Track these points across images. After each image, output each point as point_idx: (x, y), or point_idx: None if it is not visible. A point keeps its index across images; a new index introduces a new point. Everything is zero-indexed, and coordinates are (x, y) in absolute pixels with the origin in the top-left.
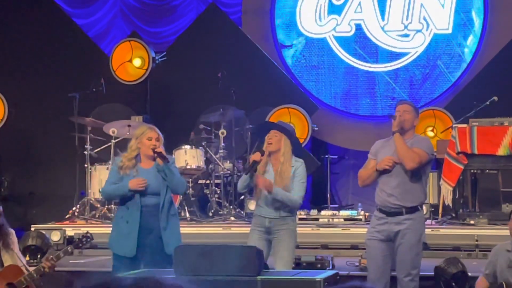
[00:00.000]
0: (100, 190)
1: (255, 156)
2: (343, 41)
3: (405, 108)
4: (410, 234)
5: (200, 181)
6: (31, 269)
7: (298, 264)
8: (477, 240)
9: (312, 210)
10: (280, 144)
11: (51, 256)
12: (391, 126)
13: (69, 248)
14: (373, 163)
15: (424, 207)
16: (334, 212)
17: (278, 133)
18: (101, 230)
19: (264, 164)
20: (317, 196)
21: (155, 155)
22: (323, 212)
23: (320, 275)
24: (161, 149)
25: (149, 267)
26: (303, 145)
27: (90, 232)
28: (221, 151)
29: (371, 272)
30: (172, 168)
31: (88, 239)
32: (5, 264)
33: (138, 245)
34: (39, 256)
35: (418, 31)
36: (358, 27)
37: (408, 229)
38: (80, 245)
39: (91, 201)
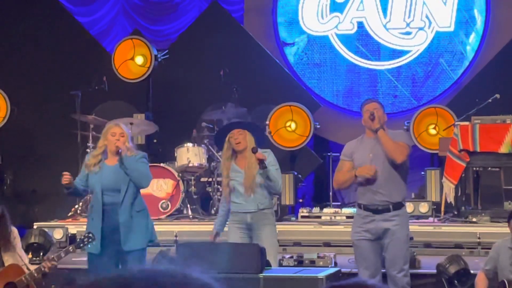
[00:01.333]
0: None
1: (260, 155)
2: (345, 39)
3: (375, 106)
4: (399, 231)
5: (202, 179)
6: (32, 268)
7: (300, 262)
8: (479, 238)
9: (314, 208)
10: (246, 141)
11: (52, 256)
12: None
13: (70, 248)
14: (348, 165)
15: (426, 205)
16: (336, 209)
17: (241, 131)
18: None
19: (227, 167)
20: (319, 194)
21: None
22: (325, 210)
23: (322, 273)
24: (120, 143)
25: (112, 264)
26: (305, 143)
27: (91, 232)
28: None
29: (363, 271)
30: (131, 163)
31: (90, 239)
32: (6, 263)
33: (102, 242)
34: (41, 254)
35: (420, 28)
36: (360, 25)
37: (397, 225)
38: (82, 244)
39: None
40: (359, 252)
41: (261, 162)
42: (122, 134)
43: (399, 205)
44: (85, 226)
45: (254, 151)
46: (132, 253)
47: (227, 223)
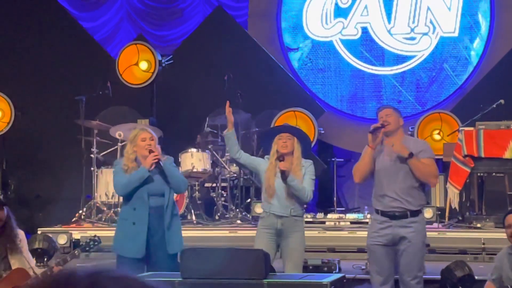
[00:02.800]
0: (114, 186)
1: (285, 165)
2: (349, 44)
3: (386, 112)
4: (416, 237)
5: (206, 184)
6: (38, 271)
7: (305, 268)
8: (483, 244)
9: (318, 214)
10: (293, 147)
11: (58, 260)
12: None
13: (76, 252)
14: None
15: (430, 211)
16: (341, 215)
17: (291, 136)
18: (107, 233)
19: (273, 167)
20: (324, 199)
21: (153, 161)
22: (329, 216)
23: (327, 279)
24: (156, 152)
25: (153, 268)
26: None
27: (97, 235)
28: (227, 154)
29: (376, 277)
30: (171, 168)
31: (96, 243)
32: (13, 267)
33: (147, 246)
34: (45, 259)
35: (424, 34)
36: (365, 30)
37: (414, 232)
38: (88, 248)
39: (98, 204)
40: (373, 256)
41: (283, 173)
42: (151, 138)
43: (417, 212)
44: (89, 232)
45: (280, 159)
46: (174, 256)
47: (257, 227)
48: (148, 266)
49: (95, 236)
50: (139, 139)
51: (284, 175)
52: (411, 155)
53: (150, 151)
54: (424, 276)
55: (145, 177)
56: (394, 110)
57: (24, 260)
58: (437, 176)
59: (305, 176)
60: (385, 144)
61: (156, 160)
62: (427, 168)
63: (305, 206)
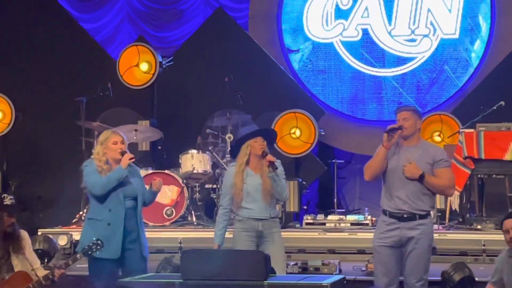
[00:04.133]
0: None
1: (271, 157)
2: (350, 46)
3: (404, 115)
4: (423, 240)
5: (206, 186)
6: (41, 273)
7: (305, 269)
8: (484, 245)
9: (318, 215)
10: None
11: (60, 264)
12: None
13: (78, 255)
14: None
15: (431, 212)
16: (341, 216)
17: (263, 139)
18: None
19: (241, 172)
20: (324, 201)
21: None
22: (329, 217)
23: (327, 280)
24: (129, 154)
25: (126, 270)
26: (309, 150)
27: (100, 239)
28: (228, 155)
29: (381, 278)
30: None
31: (99, 246)
32: (15, 269)
33: (122, 247)
34: (46, 260)
35: (425, 36)
36: (365, 32)
37: (422, 234)
38: (90, 252)
39: None
40: (379, 258)
41: (272, 164)
42: (122, 141)
43: (425, 215)
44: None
45: (264, 154)
46: (146, 258)
47: (233, 230)
48: (124, 269)
49: (97, 240)
50: (110, 142)
51: (273, 166)
52: (421, 177)
53: (123, 153)
54: None
55: (123, 177)
56: (413, 113)
57: (26, 262)
58: (453, 186)
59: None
60: (400, 145)
61: (133, 161)
62: (442, 182)
63: (304, 207)
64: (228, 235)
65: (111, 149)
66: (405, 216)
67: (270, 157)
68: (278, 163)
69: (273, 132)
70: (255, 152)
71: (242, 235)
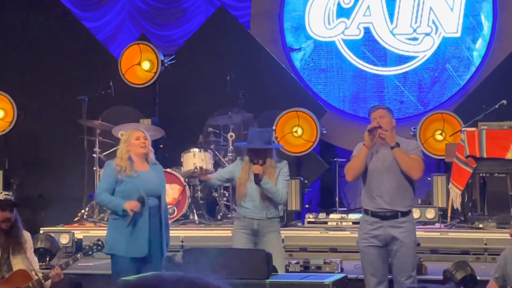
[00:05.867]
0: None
1: (257, 169)
2: (351, 45)
3: (380, 113)
4: (407, 237)
5: None
6: (41, 274)
7: (306, 268)
8: (485, 244)
9: (320, 214)
10: (266, 158)
11: (60, 263)
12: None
13: (78, 255)
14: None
15: (432, 211)
16: (343, 215)
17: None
18: None
19: (247, 171)
20: (326, 200)
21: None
22: (331, 216)
23: (329, 279)
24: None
25: (150, 268)
26: (311, 149)
27: (101, 239)
28: (230, 154)
29: (370, 278)
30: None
31: (99, 247)
32: (14, 268)
33: (149, 245)
34: (47, 259)
35: (427, 34)
36: (367, 31)
37: (405, 232)
38: (90, 252)
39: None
40: (366, 258)
41: (256, 176)
42: (145, 137)
43: (407, 212)
44: (91, 232)
45: (254, 162)
46: (164, 258)
47: (232, 228)
48: (145, 266)
49: (98, 240)
50: (133, 138)
51: (257, 178)
52: (397, 144)
53: (141, 199)
54: (426, 277)
55: (117, 213)
56: (388, 111)
57: (26, 261)
58: (420, 170)
59: (279, 177)
60: (377, 145)
61: (138, 210)
62: (412, 161)
63: (306, 206)
64: (228, 234)
65: (134, 145)
66: (387, 214)
67: (255, 168)
68: (284, 163)
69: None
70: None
71: (239, 232)
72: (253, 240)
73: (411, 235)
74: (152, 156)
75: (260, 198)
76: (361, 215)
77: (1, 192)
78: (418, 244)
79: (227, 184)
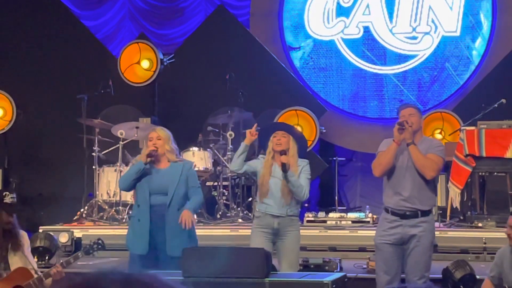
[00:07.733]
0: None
1: (285, 159)
2: (351, 43)
3: (410, 111)
4: (425, 237)
5: (208, 183)
6: (40, 272)
7: (306, 266)
8: (485, 243)
9: (319, 212)
10: (288, 145)
11: (61, 261)
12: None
13: (79, 254)
14: None
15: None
16: (342, 214)
17: (286, 134)
18: (109, 231)
19: (269, 165)
20: (325, 198)
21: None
22: (331, 215)
23: (328, 278)
24: (153, 147)
25: (156, 268)
26: (311, 148)
27: (101, 238)
28: (229, 153)
29: (382, 276)
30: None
31: (100, 246)
32: (13, 267)
33: (150, 243)
34: (47, 257)
35: (426, 33)
36: (366, 30)
37: (424, 232)
38: (91, 251)
39: (99, 203)
40: (381, 255)
41: (283, 165)
42: (158, 137)
43: (427, 212)
44: (90, 230)
45: (281, 153)
46: (175, 259)
47: (251, 227)
48: (153, 265)
49: (99, 239)
50: (148, 137)
51: (284, 167)
52: (413, 142)
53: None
54: None
55: (141, 170)
56: (417, 110)
57: (24, 260)
58: (434, 170)
59: (301, 175)
60: (404, 142)
61: (154, 150)
62: (426, 160)
63: (306, 205)
64: (247, 232)
65: (147, 146)
66: (407, 213)
67: (282, 158)
68: (305, 162)
69: (295, 130)
70: (273, 147)
71: (258, 231)
72: (272, 240)
73: (429, 235)
74: (171, 155)
75: (281, 195)
76: (360, 214)
77: (8, 195)
78: (436, 246)
79: (225, 183)
